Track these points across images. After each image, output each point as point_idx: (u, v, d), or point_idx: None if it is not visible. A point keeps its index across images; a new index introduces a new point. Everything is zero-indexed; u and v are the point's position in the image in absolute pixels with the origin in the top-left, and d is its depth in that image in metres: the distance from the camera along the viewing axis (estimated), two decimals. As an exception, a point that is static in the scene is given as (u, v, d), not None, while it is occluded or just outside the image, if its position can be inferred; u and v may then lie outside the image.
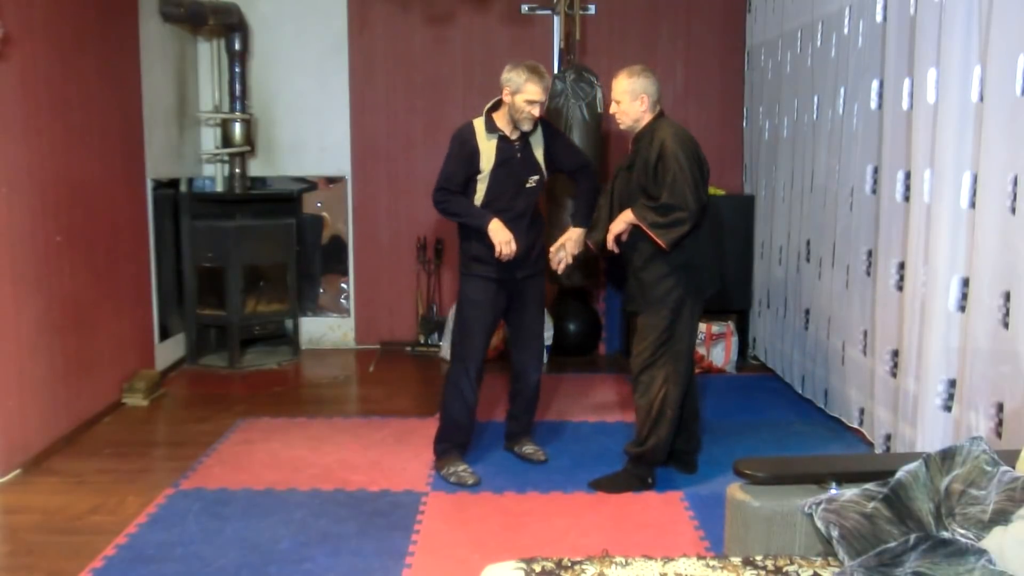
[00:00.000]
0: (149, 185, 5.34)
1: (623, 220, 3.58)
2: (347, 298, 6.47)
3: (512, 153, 3.75)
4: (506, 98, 3.67)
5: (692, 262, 3.59)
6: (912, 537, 1.83)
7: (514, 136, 3.74)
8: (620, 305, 5.98)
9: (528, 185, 3.78)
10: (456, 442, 3.94)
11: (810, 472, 2.25)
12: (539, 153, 3.81)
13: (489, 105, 3.78)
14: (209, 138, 6.25)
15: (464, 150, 3.74)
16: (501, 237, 3.66)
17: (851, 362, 4.33)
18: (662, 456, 3.71)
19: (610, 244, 3.62)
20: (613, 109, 3.65)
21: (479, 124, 3.76)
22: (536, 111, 3.67)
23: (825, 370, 4.69)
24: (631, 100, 3.59)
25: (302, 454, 4.15)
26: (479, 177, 3.73)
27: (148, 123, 5.30)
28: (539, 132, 3.81)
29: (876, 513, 2.00)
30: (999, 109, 2.99)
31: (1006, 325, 2.98)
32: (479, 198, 3.75)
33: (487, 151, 3.72)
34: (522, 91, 3.61)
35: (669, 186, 3.45)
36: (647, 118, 3.62)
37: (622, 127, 3.68)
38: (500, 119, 3.73)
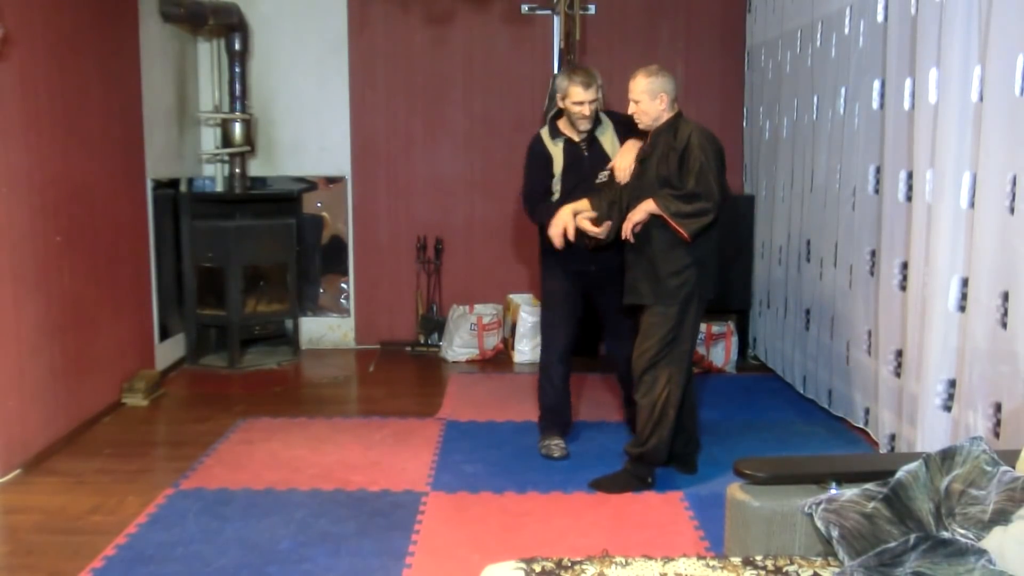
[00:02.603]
0: (149, 185, 5.34)
1: (644, 210, 3.55)
2: (347, 298, 6.47)
3: (578, 154, 3.99)
4: (560, 104, 3.94)
5: (705, 260, 3.60)
6: (912, 537, 1.83)
7: (579, 138, 3.98)
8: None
9: (598, 180, 3.93)
10: (552, 423, 4.23)
11: (810, 472, 2.24)
12: (610, 147, 3.99)
13: (552, 113, 4.09)
14: (209, 138, 6.25)
15: (539, 160, 4.02)
16: (552, 231, 3.78)
17: (855, 362, 4.32)
18: (663, 456, 3.71)
19: (627, 233, 3.60)
20: (632, 109, 3.66)
21: (544, 133, 4.06)
22: (585, 111, 3.87)
23: (828, 370, 4.69)
24: (651, 99, 3.60)
25: (302, 454, 4.15)
26: (553, 180, 4.01)
27: (148, 123, 5.30)
28: (610, 128, 4.01)
29: (876, 513, 2.00)
30: (999, 109, 2.99)
31: (1004, 325, 2.98)
32: (555, 199, 3.98)
33: (557, 155, 4.00)
34: (568, 95, 3.87)
35: (696, 175, 3.47)
36: (666, 116, 3.63)
37: (641, 126, 3.69)
38: (563, 124, 4.01)
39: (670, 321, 3.58)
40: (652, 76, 3.60)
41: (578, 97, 3.84)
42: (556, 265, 4.05)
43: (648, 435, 3.65)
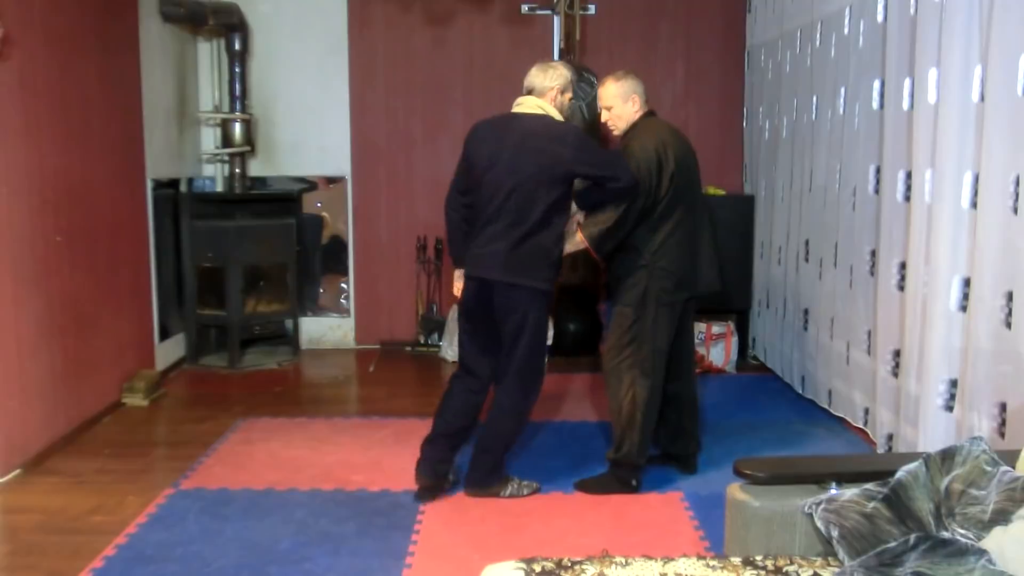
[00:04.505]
0: (149, 185, 5.34)
1: (574, 245, 3.57)
2: (347, 298, 6.47)
3: None
4: (556, 97, 3.49)
5: (658, 264, 3.55)
6: (912, 537, 1.83)
7: None
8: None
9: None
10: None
11: (810, 472, 2.24)
12: None
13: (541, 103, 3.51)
14: (209, 138, 6.25)
15: None
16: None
17: (855, 362, 4.32)
18: (639, 461, 3.67)
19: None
20: (605, 117, 3.65)
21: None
22: None
23: (826, 370, 4.68)
24: (623, 103, 3.61)
25: (302, 454, 4.15)
26: None
27: (148, 123, 5.29)
28: None
29: (876, 513, 2.00)
30: (1000, 109, 2.99)
31: (1009, 325, 2.98)
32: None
33: None
34: (569, 90, 3.54)
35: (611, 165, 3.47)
36: (636, 118, 3.63)
37: (616, 132, 3.69)
38: None
39: (626, 320, 3.59)
40: (621, 80, 3.61)
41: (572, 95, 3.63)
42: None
43: (620, 440, 3.64)
